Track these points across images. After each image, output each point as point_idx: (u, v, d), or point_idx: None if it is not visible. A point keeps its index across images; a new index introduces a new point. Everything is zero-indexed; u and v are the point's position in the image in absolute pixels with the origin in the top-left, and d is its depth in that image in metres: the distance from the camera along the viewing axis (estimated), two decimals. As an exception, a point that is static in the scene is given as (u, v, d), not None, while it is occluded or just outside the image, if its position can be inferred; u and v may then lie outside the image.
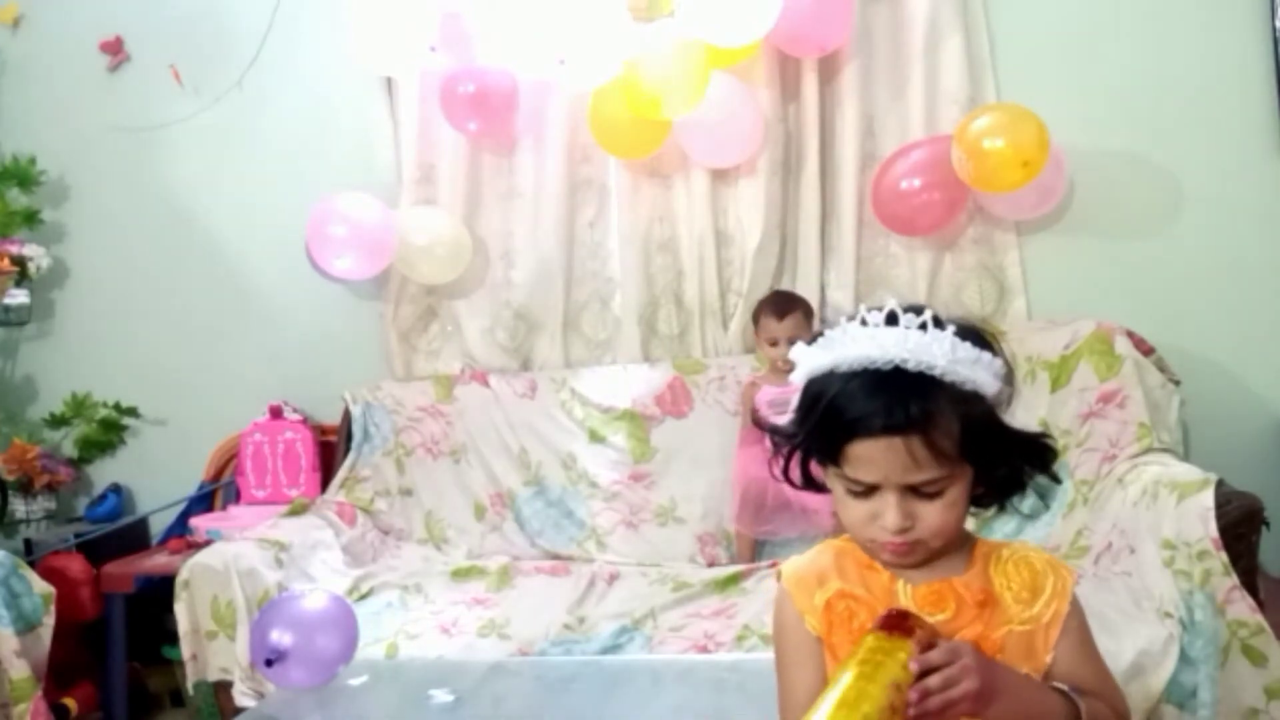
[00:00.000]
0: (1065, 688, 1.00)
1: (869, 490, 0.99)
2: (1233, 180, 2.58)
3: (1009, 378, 1.02)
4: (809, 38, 2.60)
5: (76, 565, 2.71)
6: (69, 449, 3.29)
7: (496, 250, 2.97)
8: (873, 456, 0.97)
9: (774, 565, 2.34)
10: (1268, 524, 1.82)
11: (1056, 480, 1.07)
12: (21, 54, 3.31)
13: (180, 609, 2.29)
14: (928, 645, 0.92)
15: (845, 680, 0.89)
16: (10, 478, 3.05)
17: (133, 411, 3.27)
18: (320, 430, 3.01)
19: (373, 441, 2.86)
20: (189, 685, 2.36)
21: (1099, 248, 2.66)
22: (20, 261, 3.12)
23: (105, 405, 3.26)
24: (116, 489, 3.23)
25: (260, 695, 2.17)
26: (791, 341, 2.39)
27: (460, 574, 2.53)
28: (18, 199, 3.25)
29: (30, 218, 3.24)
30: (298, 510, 2.64)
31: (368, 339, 3.06)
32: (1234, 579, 1.75)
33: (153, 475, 3.22)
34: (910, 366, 0.95)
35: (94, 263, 3.31)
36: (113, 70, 3.24)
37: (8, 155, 3.27)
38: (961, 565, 1.03)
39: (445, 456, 2.85)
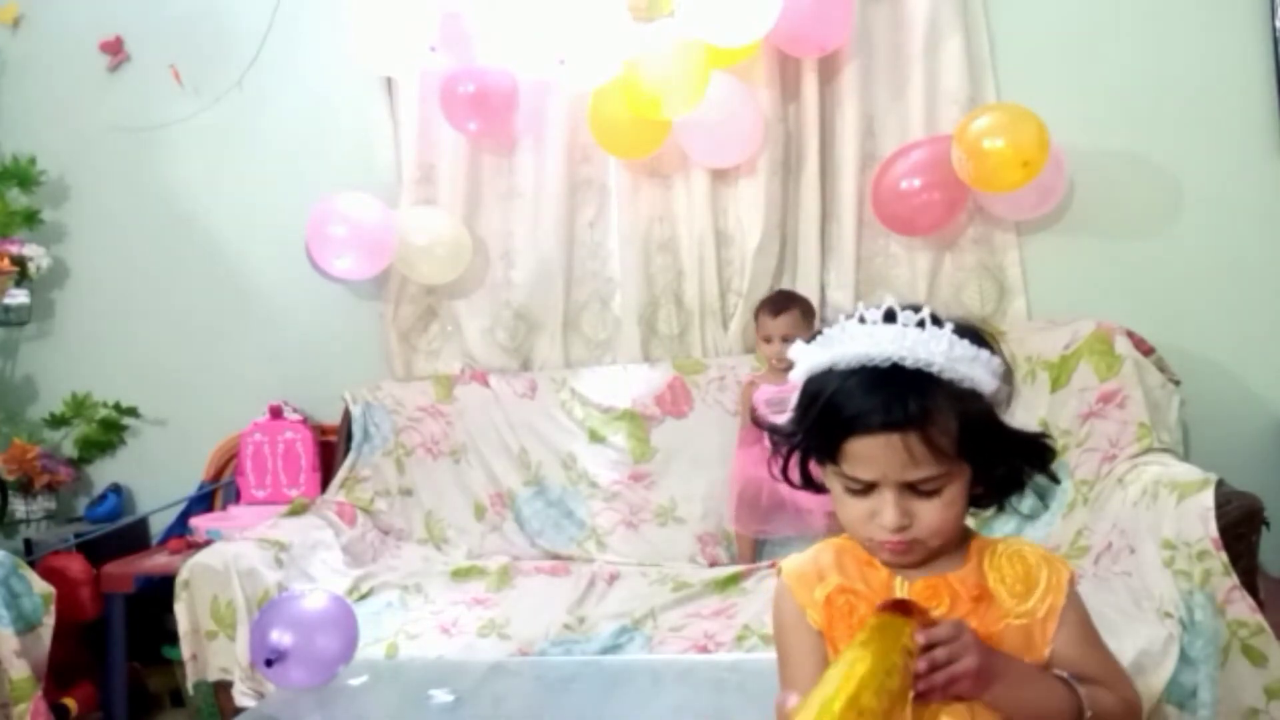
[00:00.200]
0: (1066, 675, 1.01)
1: (867, 488, 0.99)
2: (1233, 180, 2.58)
3: (1007, 376, 1.02)
4: (809, 38, 2.61)
5: (76, 565, 2.71)
6: (69, 449, 3.29)
7: (496, 250, 2.97)
8: (871, 454, 0.97)
9: (774, 565, 2.34)
10: (1268, 524, 1.82)
11: (1055, 480, 1.08)
12: (21, 54, 3.32)
13: (180, 609, 2.28)
14: (929, 625, 0.95)
15: (853, 652, 0.90)
16: (10, 478, 3.05)
17: (133, 411, 3.27)
18: (320, 430, 3.01)
19: (373, 441, 2.86)
20: (189, 685, 2.36)
21: (1099, 248, 2.66)
22: (20, 261, 3.12)
23: (105, 405, 3.26)
24: (116, 489, 3.23)
25: (260, 695, 2.17)
26: (786, 339, 2.43)
27: (460, 574, 2.53)
28: (18, 199, 3.25)
29: (30, 218, 3.25)
30: (298, 510, 2.64)
31: (368, 339, 3.06)
32: (1234, 579, 1.74)
33: (153, 475, 3.22)
34: (908, 364, 0.96)
35: (94, 263, 3.31)
36: (113, 70, 3.25)
37: (8, 155, 3.27)
38: (957, 561, 1.04)
39: (445, 456, 2.85)
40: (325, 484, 2.89)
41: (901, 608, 0.97)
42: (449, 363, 3.00)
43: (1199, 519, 1.79)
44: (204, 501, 3.08)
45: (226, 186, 3.18)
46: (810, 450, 1.05)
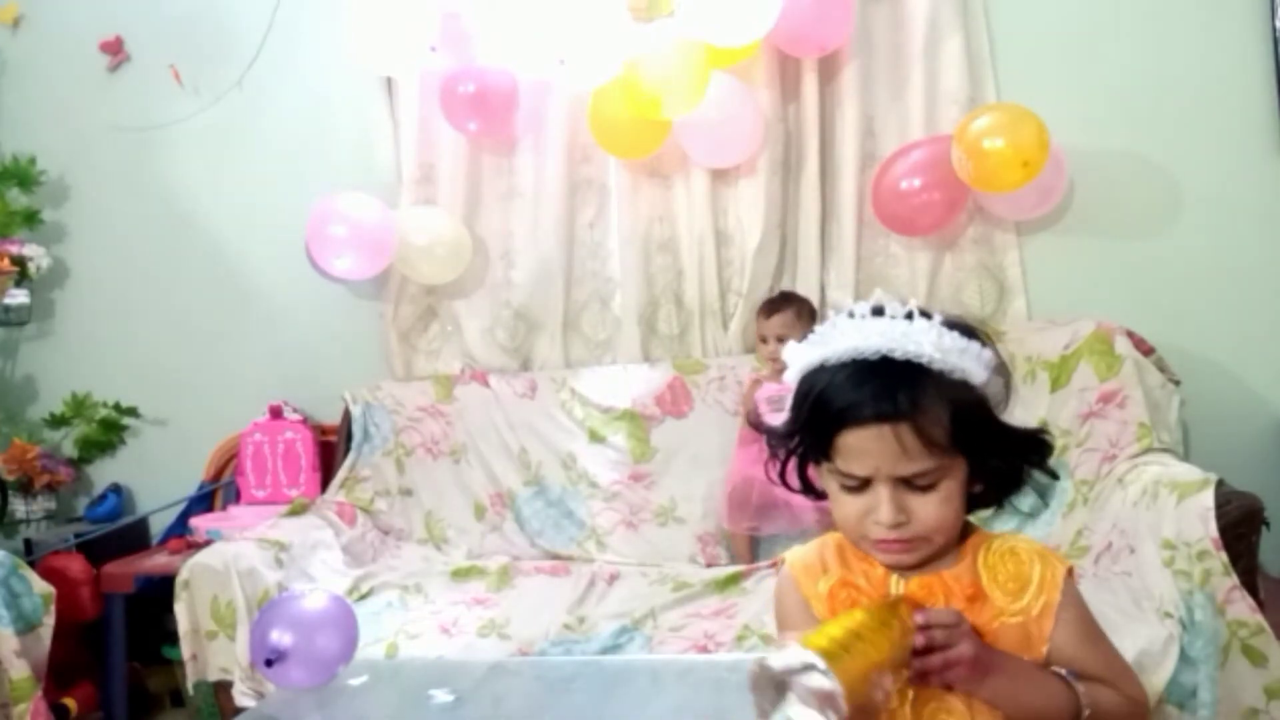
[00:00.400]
0: (1064, 672, 1.00)
1: (862, 485, 0.99)
2: (1233, 180, 2.58)
3: (1000, 369, 1.02)
4: (809, 38, 2.60)
5: (76, 565, 2.71)
6: (69, 449, 3.30)
7: (496, 250, 2.97)
8: (863, 446, 0.97)
9: (774, 565, 2.34)
10: (1268, 524, 1.82)
11: (1054, 476, 1.07)
12: (21, 54, 3.32)
13: (180, 609, 2.29)
14: None
15: (855, 615, 0.93)
16: (10, 478, 3.05)
17: (133, 411, 3.27)
18: (320, 430, 3.01)
19: (373, 441, 2.86)
20: (189, 685, 2.36)
21: (1099, 248, 2.66)
22: (20, 261, 3.12)
23: (105, 405, 3.26)
24: (116, 489, 3.23)
25: (260, 695, 2.17)
26: (781, 340, 2.43)
27: (460, 574, 2.53)
28: (18, 199, 3.25)
29: (30, 218, 3.25)
30: (298, 510, 2.64)
31: (368, 339, 3.06)
32: (1234, 579, 1.74)
33: (153, 475, 3.22)
34: (897, 355, 0.96)
35: (94, 263, 3.31)
36: (113, 70, 3.25)
37: (8, 155, 3.27)
38: (952, 558, 1.03)
39: (445, 456, 2.85)
40: (325, 484, 2.89)
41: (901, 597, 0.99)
42: (449, 363, 3.00)
43: (1199, 519, 1.79)
44: (204, 501, 3.08)
45: (226, 186, 3.18)
46: (805, 448, 1.04)
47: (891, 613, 0.94)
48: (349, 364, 3.05)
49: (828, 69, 2.71)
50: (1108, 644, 1.05)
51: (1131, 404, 2.33)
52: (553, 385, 2.84)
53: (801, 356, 1.03)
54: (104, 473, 3.30)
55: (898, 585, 1.03)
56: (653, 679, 1.84)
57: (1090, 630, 1.03)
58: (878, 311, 0.99)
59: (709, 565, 2.57)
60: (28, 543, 2.87)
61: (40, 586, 2.36)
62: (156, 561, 2.74)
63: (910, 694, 1.00)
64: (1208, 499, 1.80)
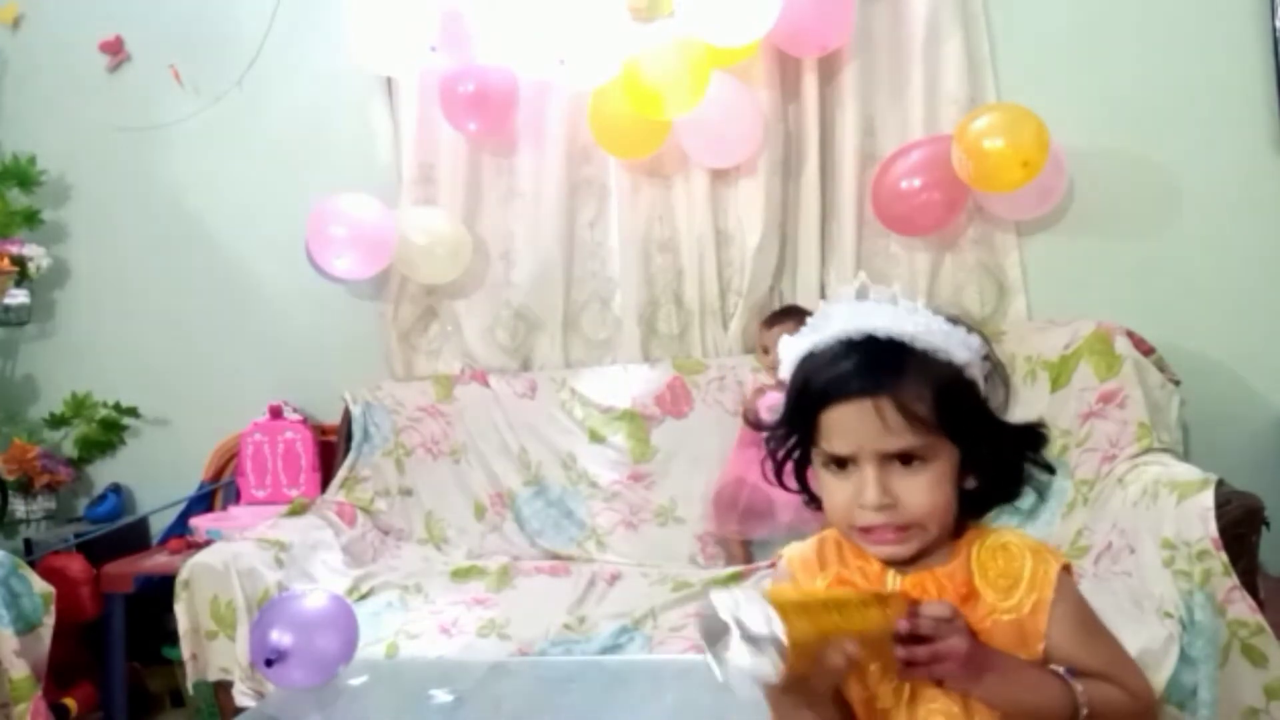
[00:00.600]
0: (1061, 670, 0.99)
1: (848, 466, 0.98)
2: (1232, 180, 2.57)
3: (994, 364, 1.02)
4: (809, 37, 2.60)
5: (76, 565, 2.71)
6: (69, 449, 3.29)
7: (496, 250, 2.97)
8: (845, 422, 0.97)
9: (773, 565, 2.34)
10: (1268, 524, 1.82)
11: (1050, 470, 1.05)
12: (21, 54, 3.32)
13: (180, 609, 2.28)
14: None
15: (835, 590, 0.95)
16: (10, 478, 3.05)
17: (133, 411, 3.27)
18: (320, 430, 3.01)
19: (373, 441, 2.86)
20: (189, 685, 2.36)
21: (1099, 248, 2.66)
22: (20, 261, 3.12)
23: (105, 405, 3.26)
24: (116, 489, 3.23)
25: (260, 695, 2.17)
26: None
27: (460, 574, 2.53)
28: (18, 199, 3.25)
29: (30, 218, 3.25)
30: (298, 510, 2.64)
31: (368, 339, 3.06)
32: (1234, 579, 1.74)
33: (153, 475, 3.22)
34: (880, 334, 0.98)
35: (94, 263, 3.31)
36: (113, 70, 3.25)
37: (8, 155, 3.27)
38: (946, 555, 1.02)
39: (445, 456, 2.85)
40: (325, 484, 2.88)
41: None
42: (449, 363, 3.00)
43: (1199, 519, 1.79)
44: (204, 501, 3.08)
45: (226, 186, 3.17)
46: (796, 437, 1.04)
47: (879, 601, 0.94)
48: (349, 364, 3.04)
49: (828, 69, 2.71)
50: (1108, 640, 1.04)
51: (1131, 404, 2.33)
52: (553, 385, 2.84)
53: (793, 348, 1.04)
54: (104, 473, 3.31)
55: (894, 581, 1.02)
56: (653, 679, 1.85)
57: (1088, 626, 1.02)
58: (863, 296, 1.02)
59: (709, 565, 2.56)
60: (28, 543, 2.87)
61: (40, 586, 2.36)
62: (156, 561, 2.74)
63: (905, 694, 1.00)
64: (1208, 499, 1.80)
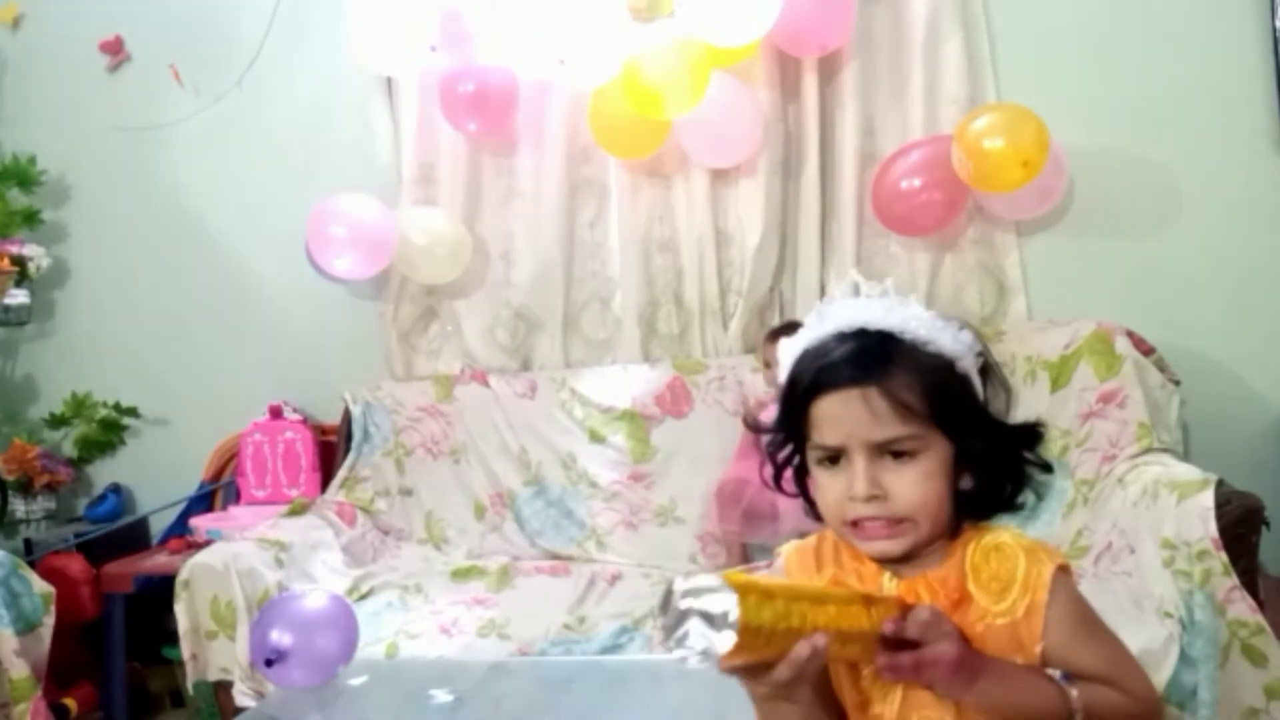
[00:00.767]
0: (1056, 675, 0.98)
1: (838, 458, 0.98)
2: (1232, 180, 2.57)
3: (984, 355, 1.02)
4: (809, 37, 2.60)
5: (76, 565, 2.71)
6: (69, 449, 3.29)
7: (496, 250, 2.97)
8: (834, 413, 0.97)
9: (770, 565, 2.34)
10: (1268, 524, 1.82)
11: (1047, 468, 1.04)
12: (21, 54, 3.32)
13: (180, 609, 2.28)
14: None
15: (814, 584, 0.95)
16: (10, 478, 3.05)
17: (133, 411, 3.27)
18: (320, 430, 3.01)
19: (373, 441, 2.86)
20: (189, 685, 2.36)
21: (1099, 248, 2.66)
22: (20, 261, 3.12)
23: (105, 405, 3.26)
24: (116, 489, 3.23)
25: (260, 695, 2.16)
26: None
27: (460, 574, 2.53)
28: (18, 199, 3.25)
29: (30, 218, 3.24)
30: (298, 510, 2.64)
31: (368, 339, 3.06)
32: (1234, 579, 1.74)
33: (153, 475, 3.22)
34: (870, 326, 0.99)
35: (94, 263, 3.31)
36: (113, 70, 3.25)
37: (8, 155, 3.27)
38: (940, 557, 1.01)
39: (445, 456, 2.85)
40: (325, 484, 2.88)
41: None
42: (449, 363, 3.00)
43: (1199, 519, 1.79)
44: (204, 501, 3.08)
45: (226, 186, 3.17)
46: (788, 428, 1.04)
47: (867, 602, 0.93)
48: (349, 364, 3.04)
49: (828, 69, 2.71)
50: (1109, 641, 1.02)
51: (1131, 404, 2.33)
52: (553, 385, 2.84)
53: (790, 350, 1.04)
54: (104, 473, 3.30)
55: (890, 583, 1.01)
56: (653, 679, 1.84)
57: (1087, 628, 1.00)
58: (856, 292, 1.03)
59: (709, 565, 2.56)
60: (28, 543, 2.87)
61: (40, 586, 2.36)
62: (156, 561, 2.74)
63: (897, 698, 0.99)
64: (1208, 499, 1.80)
